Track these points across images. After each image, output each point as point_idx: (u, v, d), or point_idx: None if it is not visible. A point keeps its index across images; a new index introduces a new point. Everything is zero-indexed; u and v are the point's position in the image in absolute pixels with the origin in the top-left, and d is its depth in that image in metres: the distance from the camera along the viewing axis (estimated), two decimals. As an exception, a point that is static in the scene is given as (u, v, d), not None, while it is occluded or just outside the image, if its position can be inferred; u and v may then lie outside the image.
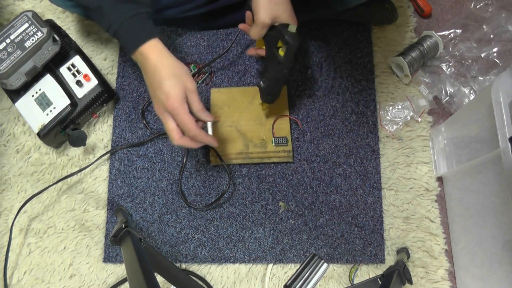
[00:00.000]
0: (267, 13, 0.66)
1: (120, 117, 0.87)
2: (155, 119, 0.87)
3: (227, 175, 0.82)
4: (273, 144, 0.82)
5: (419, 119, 0.85)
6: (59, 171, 0.85)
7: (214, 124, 0.77)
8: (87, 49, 0.91)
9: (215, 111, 0.85)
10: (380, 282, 0.63)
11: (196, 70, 0.87)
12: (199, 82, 0.88)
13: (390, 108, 0.86)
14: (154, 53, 0.64)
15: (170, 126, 0.64)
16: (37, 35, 0.73)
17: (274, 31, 0.69)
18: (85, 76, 0.81)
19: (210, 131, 0.70)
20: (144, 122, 0.86)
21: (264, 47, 0.75)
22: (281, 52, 0.69)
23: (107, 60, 0.91)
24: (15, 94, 0.79)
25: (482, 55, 0.87)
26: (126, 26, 0.64)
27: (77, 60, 0.82)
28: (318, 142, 0.84)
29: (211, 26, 0.90)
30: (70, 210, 0.84)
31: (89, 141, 0.86)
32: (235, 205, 0.82)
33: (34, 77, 0.79)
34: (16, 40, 0.73)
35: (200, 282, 0.79)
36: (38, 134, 0.79)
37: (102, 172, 0.85)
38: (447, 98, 0.86)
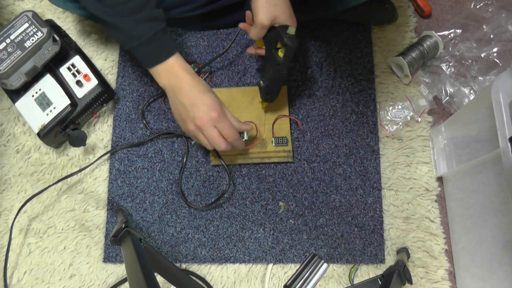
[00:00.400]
0: (266, 14, 0.67)
1: (120, 117, 0.87)
2: (155, 119, 0.87)
3: (227, 175, 0.82)
4: (273, 144, 0.82)
5: (419, 119, 0.85)
6: (59, 171, 0.85)
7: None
8: (87, 49, 0.91)
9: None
10: (380, 282, 0.63)
11: (196, 70, 0.87)
12: None
13: (390, 108, 0.86)
14: (184, 71, 0.69)
15: (215, 133, 0.69)
16: (37, 35, 0.73)
17: (273, 32, 0.70)
18: (85, 76, 0.81)
19: (245, 137, 0.77)
20: (144, 122, 0.86)
21: (263, 47, 0.75)
22: (280, 53, 0.70)
23: (107, 60, 0.91)
24: (15, 94, 0.79)
25: (482, 55, 0.87)
26: (146, 44, 0.66)
27: (77, 60, 0.82)
28: (318, 142, 0.84)
29: (211, 26, 0.90)
30: (70, 210, 0.84)
31: (89, 141, 0.86)
32: (235, 205, 0.82)
33: (34, 77, 0.79)
34: (16, 40, 0.73)
35: (200, 282, 0.79)
36: (38, 134, 0.79)
37: (102, 172, 0.85)
38: (447, 98, 0.86)
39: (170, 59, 0.68)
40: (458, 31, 0.89)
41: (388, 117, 0.86)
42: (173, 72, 0.68)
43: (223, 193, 0.81)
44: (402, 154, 0.84)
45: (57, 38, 0.77)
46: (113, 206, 0.83)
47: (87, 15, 0.80)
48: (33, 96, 0.79)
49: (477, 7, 0.91)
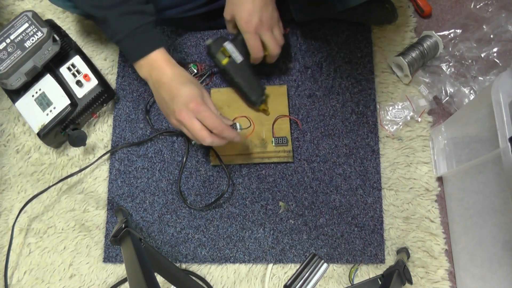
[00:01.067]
0: (226, 9, 0.73)
1: (120, 117, 0.87)
2: (155, 119, 0.87)
3: (226, 175, 0.82)
4: (273, 144, 0.82)
5: (419, 119, 0.85)
6: (59, 171, 0.85)
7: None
8: (87, 49, 0.91)
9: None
10: (380, 282, 0.63)
11: (196, 69, 0.87)
12: (199, 82, 0.88)
13: (390, 108, 0.86)
14: (166, 64, 0.67)
15: (197, 126, 0.65)
16: (37, 35, 0.73)
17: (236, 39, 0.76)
18: (85, 76, 0.81)
19: (238, 129, 0.74)
20: (147, 117, 0.86)
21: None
22: (224, 61, 0.77)
23: (107, 60, 0.91)
24: (15, 94, 0.79)
25: (482, 55, 0.87)
26: (131, 37, 0.66)
27: (77, 60, 0.82)
28: (318, 142, 0.84)
29: (211, 26, 0.90)
30: (70, 210, 0.84)
31: (89, 141, 0.86)
32: (235, 205, 0.82)
33: (34, 77, 0.79)
34: (16, 40, 0.73)
35: (200, 282, 0.79)
36: (38, 134, 0.79)
37: (102, 172, 0.85)
38: (447, 98, 0.86)
39: (154, 53, 0.67)
40: (458, 31, 0.89)
41: (388, 117, 0.86)
42: (154, 66, 0.67)
43: (222, 194, 0.81)
44: (402, 154, 0.84)
45: (57, 38, 0.77)
46: (113, 206, 0.83)
47: (87, 15, 0.80)
48: (33, 96, 0.79)
49: (477, 7, 0.91)
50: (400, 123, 0.85)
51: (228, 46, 0.77)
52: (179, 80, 0.67)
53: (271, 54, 0.75)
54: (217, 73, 0.88)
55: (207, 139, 0.66)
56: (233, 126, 0.72)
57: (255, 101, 0.80)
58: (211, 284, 0.79)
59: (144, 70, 0.69)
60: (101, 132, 0.87)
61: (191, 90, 0.66)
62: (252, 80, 0.79)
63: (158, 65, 0.67)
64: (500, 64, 0.86)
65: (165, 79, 0.67)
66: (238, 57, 0.77)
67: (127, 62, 0.90)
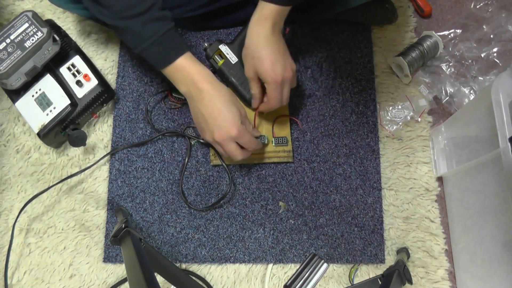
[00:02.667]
0: (247, 67, 0.71)
1: (120, 117, 0.87)
2: (155, 119, 0.87)
3: (227, 175, 0.82)
4: (273, 144, 0.82)
5: (419, 119, 0.85)
6: (59, 171, 0.85)
7: None
8: (87, 49, 0.91)
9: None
10: (380, 282, 0.63)
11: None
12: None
13: (390, 108, 0.86)
14: (202, 76, 0.67)
15: (234, 147, 0.69)
16: (37, 35, 0.73)
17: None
18: (85, 76, 0.81)
19: (265, 141, 0.80)
20: (148, 118, 0.86)
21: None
22: (220, 62, 0.78)
23: (107, 60, 0.91)
24: (15, 94, 0.79)
25: (482, 55, 0.87)
26: (157, 45, 0.66)
27: (77, 60, 0.81)
28: (318, 142, 0.84)
29: (211, 26, 0.90)
30: (70, 210, 0.84)
31: (89, 141, 0.86)
32: (235, 205, 0.82)
33: (34, 77, 0.79)
34: (16, 40, 0.73)
35: (200, 282, 0.79)
36: (38, 134, 0.79)
37: (102, 172, 0.85)
38: (447, 98, 0.86)
39: (181, 59, 0.67)
40: (458, 31, 0.89)
41: (388, 117, 0.86)
42: (190, 79, 0.67)
43: (224, 194, 0.81)
44: (402, 154, 0.84)
45: (57, 38, 0.77)
46: (113, 206, 0.83)
47: (87, 15, 0.80)
48: (33, 96, 0.79)
49: (477, 7, 0.91)
50: (400, 123, 0.85)
51: (223, 48, 0.79)
52: (220, 99, 0.67)
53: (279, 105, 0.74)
54: (215, 73, 0.88)
55: (239, 157, 0.70)
56: (261, 138, 0.78)
57: (249, 99, 0.81)
58: (211, 284, 0.79)
59: (180, 82, 0.68)
60: (101, 132, 0.87)
61: (233, 114, 0.67)
62: (246, 79, 0.80)
63: (194, 78, 0.67)
64: (500, 64, 0.86)
65: (205, 95, 0.67)
66: (233, 58, 0.79)
67: (127, 62, 0.90)
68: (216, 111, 0.67)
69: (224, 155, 0.71)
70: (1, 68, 0.71)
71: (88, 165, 0.84)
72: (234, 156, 0.70)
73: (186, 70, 0.67)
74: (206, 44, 0.81)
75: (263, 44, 0.66)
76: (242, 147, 0.71)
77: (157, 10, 0.65)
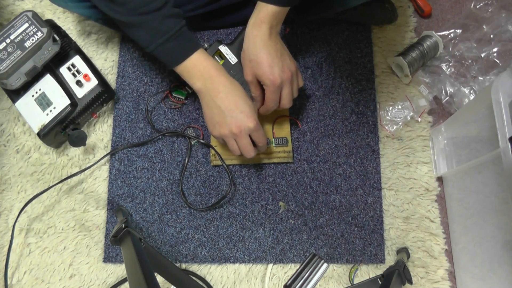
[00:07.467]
0: (246, 71, 0.71)
1: (120, 117, 0.87)
2: (155, 119, 0.87)
3: (227, 175, 0.82)
4: (273, 145, 0.82)
5: (419, 119, 0.85)
6: (59, 171, 0.85)
7: None
8: (87, 49, 0.91)
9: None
10: (380, 282, 0.63)
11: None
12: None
13: (390, 108, 0.86)
14: (218, 71, 0.68)
15: (247, 142, 0.70)
16: (37, 35, 0.73)
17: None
18: (85, 76, 0.81)
19: (271, 143, 0.81)
20: (148, 118, 0.86)
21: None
22: (219, 63, 0.77)
23: (107, 60, 0.91)
24: (15, 94, 0.79)
25: (482, 55, 0.87)
26: (172, 40, 0.66)
27: (77, 60, 0.82)
28: (318, 142, 0.84)
29: (211, 26, 0.90)
30: (70, 210, 0.84)
31: (89, 141, 0.86)
32: (235, 205, 0.82)
33: (34, 77, 0.79)
34: (16, 40, 0.73)
35: (200, 282, 0.79)
36: (38, 134, 0.79)
37: (102, 172, 0.85)
38: (447, 98, 0.86)
39: (195, 54, 0.67)
40: (458, 31, 0.89)
41: (388, 117, 0.86)
42: (207, 74, 0.67)
43: (224, 195, 0.81)
44: (402, 154, 0.84)
45: (57, 38, 0.77)
46: (113, 206, 0.83)
47: (87, 14, 0.80)
48: (33, 96, 0.79)
49: (477, 7, 0.91)
50: (400, 123, 0.85)
51: (223, 48, 0.79)
52: (237, 93, 0.68)
53: (280, 107, 0.74)
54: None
55: (252, 153, 0.71)
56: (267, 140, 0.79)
57: None
58: (211, 284, 0.79)
59: (196, 77, 0.68)
60: (101, 132, 0.87)
61: (250, 107, 0.68)
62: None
63: (210, 72, 0.67)
64: (500, 64, 0.86)
65: (222, 89, 0.67)
66: (233, 59, 0.78)
67: (127, 62, 0.90)
68: (233, 104, 0.67)
69: (236, 152, 0.71)
70: (1, 68, 0.71)
71: (88, 165, 0.84)
72: (247, 152, 0.70)
73: (202, 64, 0.68)
74: (206, 45, 0.81)
75: (260, 47, 0.66)
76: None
77: (170, 6, 0.66)
